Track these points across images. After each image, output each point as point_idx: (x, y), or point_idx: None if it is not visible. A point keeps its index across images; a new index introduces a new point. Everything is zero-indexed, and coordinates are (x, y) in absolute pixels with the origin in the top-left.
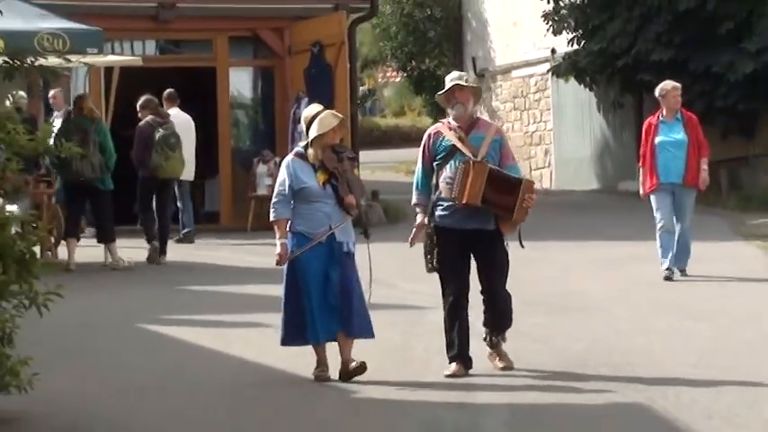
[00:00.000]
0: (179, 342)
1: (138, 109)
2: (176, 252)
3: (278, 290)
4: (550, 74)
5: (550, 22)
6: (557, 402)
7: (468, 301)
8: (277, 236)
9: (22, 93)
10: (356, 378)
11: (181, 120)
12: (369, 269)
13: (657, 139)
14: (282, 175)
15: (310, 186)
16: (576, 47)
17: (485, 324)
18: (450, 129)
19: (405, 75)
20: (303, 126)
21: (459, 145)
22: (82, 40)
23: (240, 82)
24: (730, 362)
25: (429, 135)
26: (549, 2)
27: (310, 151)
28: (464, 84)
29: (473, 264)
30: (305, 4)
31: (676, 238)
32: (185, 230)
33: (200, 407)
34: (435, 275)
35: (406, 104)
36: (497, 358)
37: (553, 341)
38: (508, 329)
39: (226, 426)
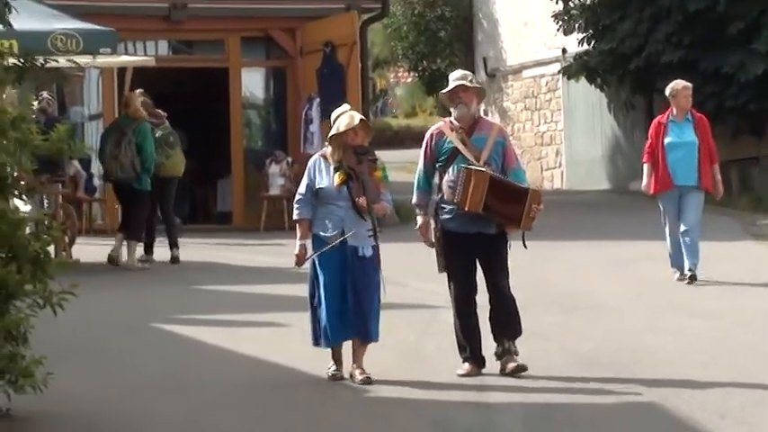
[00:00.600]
0: (193, 341)
1: None
2: (190, 252)
3: (291, 289)
4: (561, 74)
5: (561, 23)
6: (569, 402)
7: (475, 303)
8: (297, 236)
9: (48, 95)
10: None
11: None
12: (380, 270)
13: (667, 140)
14: (305, 175)
15: (326, 188)
16: (586, 47)
17: (494, 331)
18: (453, 129)
19: (416, 75)
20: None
21: (461, 147)
22: (95, 41)
23: (252, 82)
24: (742, 361)
25: (431, 135)
26: (559, 2)
27: (329, 150)
28: (468, 84)
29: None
30: (317, 4)
31: (682, 235)
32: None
33: (214, 406)
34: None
35: (418, 105)
36: (510, 362)
37: (565, 340)
38: (518, 338)
39: (240, 426)
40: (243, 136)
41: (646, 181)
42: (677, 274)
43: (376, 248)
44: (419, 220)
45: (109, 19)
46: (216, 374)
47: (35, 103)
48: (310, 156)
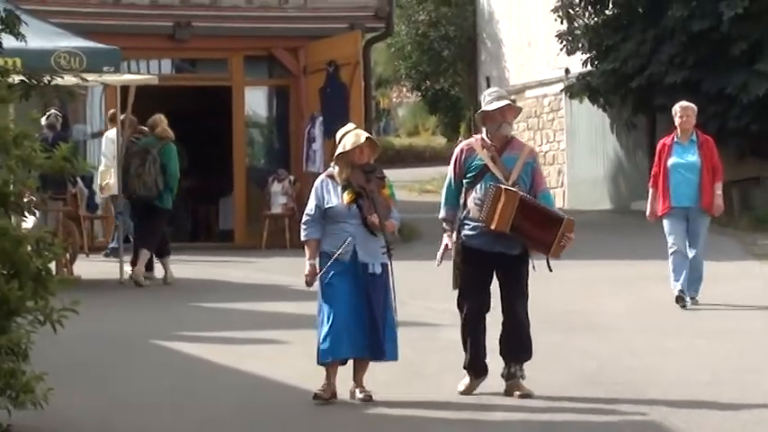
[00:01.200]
0: (193, 358)
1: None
2: (191, 270)
3: (292, 307)
4: (564, 93)
5: (564, 43)
6: (571, 420)
7: (485, 321)
8: (306, 256)
9: (56, 111)
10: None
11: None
12: (392, 288)
13: (670, 161)
14: (312, 195)
15: (336, 206)
16: (589, 67)
17: (502, 353)
18: (484, 147)
19: (419, 94)
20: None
21: (490, 165)
22: (98, 59)
23: (255, 101)
24: (744, 381)
25: (461, 150)
26: (562, 22)
27: (336, 169)
28: (514, 104)
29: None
30: (320, 23)
31: (689, 262)
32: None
33: (212, 423)
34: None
35: (420, 124)
36: (515, 388)
37: (567, 359)
38: (527, 362)
39: None
40: (245, 154)
41: (649, 209)
42: (677, 289)
43: (385, 266)
44: (445, 238)
45: (113, 37)
46: (215, 391)
47: (43, 119)
48: (313, 174)
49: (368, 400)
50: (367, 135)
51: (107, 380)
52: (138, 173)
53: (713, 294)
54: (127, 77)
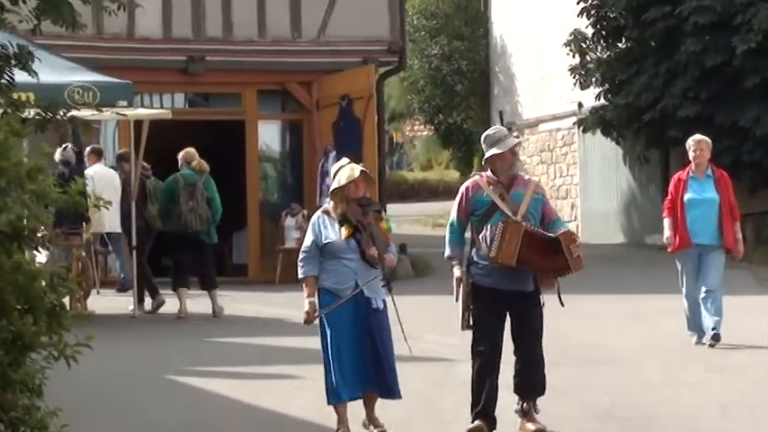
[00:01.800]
0: (207, 393)
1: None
2: (205, 304)
3: (305, 342)
4: (577, 127)
5: (577, 77)
6: None
7: (499, 362)
8: (305, 294)
9: (70, 146)
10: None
11: (104, 175)
12: (399, 323)
13: (687, 197)
14: (309, 231)
15: (334, 242)
16: (602, 101)
17: (516, 391)
18: (490, 184)
19: (432, 128)
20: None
21: (498, 202)
22: (112, 93)
23: (268, 135)
24: (756, 416)
25: (467, 188)
26: (575, 56)
27: (331, 204)
28: (518, 139)
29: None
30: (333, 57)
31: (703, 299)
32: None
33: None
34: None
35: (434, 158)
36: (529, 423)
37: (581, 394)
38: (540, 396)
39: None
40: (259, 189)
41: (668, 234)
42: (695, 338)
43: (385, 302)
44: (456, 272)
45: (126, 72)
46: (230, 428)
47: (57, 154)
48: None
49: None
50: (361, 169)
51: (122, 415)
52: (192, 207)
53: (726, 329)
54: (140, 112)
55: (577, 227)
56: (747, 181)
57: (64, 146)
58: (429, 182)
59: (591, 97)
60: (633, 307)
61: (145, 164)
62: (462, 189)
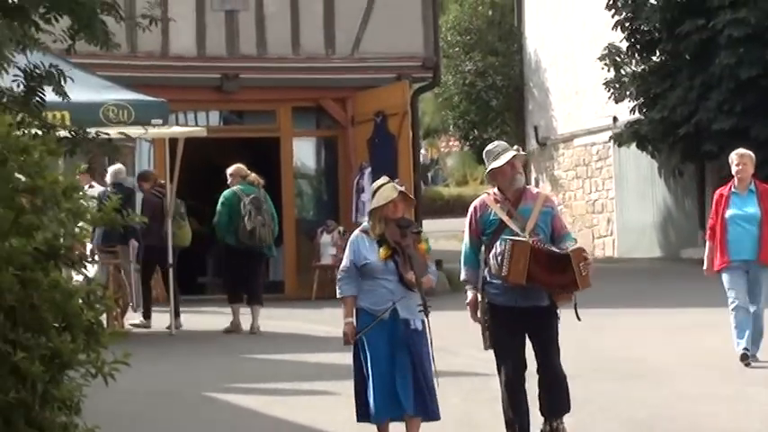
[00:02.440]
0: (244, 411)
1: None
2: (242, 321)
3: (341, 358)
4: (612, 141)
5: (612, 91)
6: None
7: (525, 380)
8: (343, 314)
9: (120, 166)
10: None
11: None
12: (430, 346)
13: (728, 213)
14: (348, 251)
15: (372, 262)
16: (637, 115)
17: (541, 410)
18: (498, 201)
19: (467, 144)
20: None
21: (506, 220)
22: (147, 112)
23: (303, 152)
24: None
25: (475, 208)
26: (610, 70)
27: (369, 224)
28: (519, 153)
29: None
30: (368, 74)
31: (752, 318)
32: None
33: None
34: None
35: (469, 174)
36: None
37: (619, 408)
38: (566, 414)
39: None
40: (294, 205)
41: (706, 263)
42: (743, 349)
43: (424, 323)
44: (469, 295)
45: (161, 90)
46: None
47: (108, 176)
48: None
49: None
50: (400, 189)
51: None
52: (263, 221)
53: (765, 343)
54: (175, 130)
55: (614, 241)
56: None
57: (116, 167)
58: (464, 197)
59: (626, 111)
60: (670, 321)
61: (162, 182)
62: (471, 209)
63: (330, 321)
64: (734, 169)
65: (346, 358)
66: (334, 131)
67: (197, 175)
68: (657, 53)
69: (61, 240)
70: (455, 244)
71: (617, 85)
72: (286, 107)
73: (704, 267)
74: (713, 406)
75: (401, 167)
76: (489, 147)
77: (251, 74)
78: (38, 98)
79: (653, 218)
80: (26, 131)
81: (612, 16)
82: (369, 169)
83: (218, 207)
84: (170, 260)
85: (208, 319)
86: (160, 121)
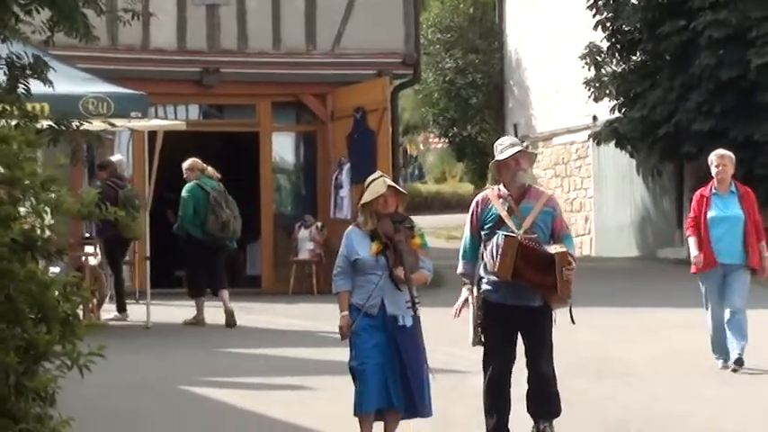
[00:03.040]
0: (220, 404)
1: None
2: (217, 315)
3: (317, 353)
4: (591, 139)
5: (592, 90)
6: None
7: (510, 379)
8: (339, 309)
9: (121, 157)
10: None
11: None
12: (421, 342)
13: (710, 214)
14: (342, 246)
15: (363, 257)
16: (617, 114)
17: (529, 411)
18: (500, 197)
19: (446, 141)
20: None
21: (504, 215)
22: (126, 104)
23: (282, 147)
24: None
25: (477, 203)
26: (590, 69)
27: (361, 219)
28: (527, 150)
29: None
30: (348, 69)
31: (727, 318)
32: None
33: None
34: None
35: (448, 171)
36: None
37: (592, 407)
38: (555, 417)
39: None
40: (273, 200)
41: (695, 253)
42: (720, 362)
43: (416, 319)
44: (464, 292)
45: (140, 83)
46: None
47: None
48: (340, 221)
49: None
50: (390, 183)
51: (134, 426)
52: (234, 214)
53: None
54: (154, 123)
55: (591, 240)
56: (760, 195)
57: (114, 158)
58: (443, 194)
59: (605, 110)
60: (646, 320)
61: (124, 175)
62: (473, 204)
63: (307, 316)
64: (714, 170)
65: (322, 353)
66: (313, 127)
67: (176, 168)
68: (638, 53)
69: (38, 232)
70: (433, 241)
71: (597, 85)
72: (266, 102)
73: (693, 257)
74: (687, 405)
75: (380, 164)
76: (500, 139)
77: (231, 68)
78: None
79: (631, 217)
80: (6, 122)
81: (594, 16)
82: (347, 165)
83: (183, 199)
84: (147, 253)
85: (184, 312)
86: (139, 114)
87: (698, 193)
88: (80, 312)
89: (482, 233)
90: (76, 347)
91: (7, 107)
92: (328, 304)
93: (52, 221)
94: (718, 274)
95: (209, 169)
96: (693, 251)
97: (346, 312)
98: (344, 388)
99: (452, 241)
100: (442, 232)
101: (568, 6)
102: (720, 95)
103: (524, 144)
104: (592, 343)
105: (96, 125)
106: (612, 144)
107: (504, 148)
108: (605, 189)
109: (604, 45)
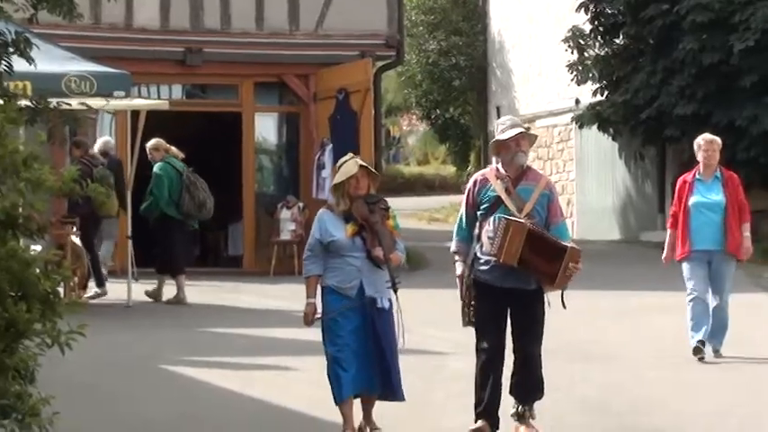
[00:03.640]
0: (200, 383)
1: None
2: (199, 294)
3: (298, 333)
4: (574, 122)
5: (575, 73)
6: None
7: (503, 360)
8: (306, 294)
9: (109, 138)
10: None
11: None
12: (400, 321)
13: (692, 200)
14: (314, 228)
15: (339, 239)
16: (599, 97)
17: (512, 392)
18: (498, 177)
19: (429, 123)
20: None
21: (504, 197)
22: (109, 83)
23: (265, 127)
24: (752, 411)
25: (475, 181)
26: (573, 52)
27: (333, 200)
28: (527, 132)
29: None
30: (331, 50)
31: (711, 311)
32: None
33: None
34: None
35: (430, 153)
36: (524, 427)
37: (572, 389)
38: (537, 400)
39: None
40: (255, 180)
41: (666, 252)
42: (697, 342)
43: (391, 301)
44: (458, 267)
45: (124, 62)
46: (222, 417)
47: (97, 146)
48: (322, 201)
49: None
50: (361, 164)
51: (114, 404)
52: (209, 195)
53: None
54: (137, 102)
55: (573, 223)
56: (743, 180)
57: (105, 138)
58: (425, 176)
59: (588, 94)
60: (626, 303)
61: (96, 153)
62: (470, 183)
63: (288, 297)
64: (700, 155)
65: (302, 333)
66: (296, 107)
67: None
68: (621, 36)
69: (20, 210)
70: (415, 222)
71: (580, 68)
72: (249, 82)
73: (663, 256)
74: (666, 388)
75: (362, 145)
76: (500, 119)
77: (214, 48)
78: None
79: (613, 200)
80: None
81: None
82: (330, 146)
83: (157, 178)
84: (129, 232)
85: (165, 291)
86: (122, 93)
87: (681, 178)
88: (61, 290)
89: (478, 213)
90: (57, 326)
91: None
92: None
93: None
94: (702, 260)
95: (173, 149)
96: (666, 249)
97: (313, 300)
98: (324, 369)
99: (435, 223)
100: (425, 214)
101: None
102: (703, 80)
103: (525, 126)
104: (572, 325)
105: (77, 105)
106: (595, 127)
107: (505, 128)
108: (588, 172)
109: (587, 28)
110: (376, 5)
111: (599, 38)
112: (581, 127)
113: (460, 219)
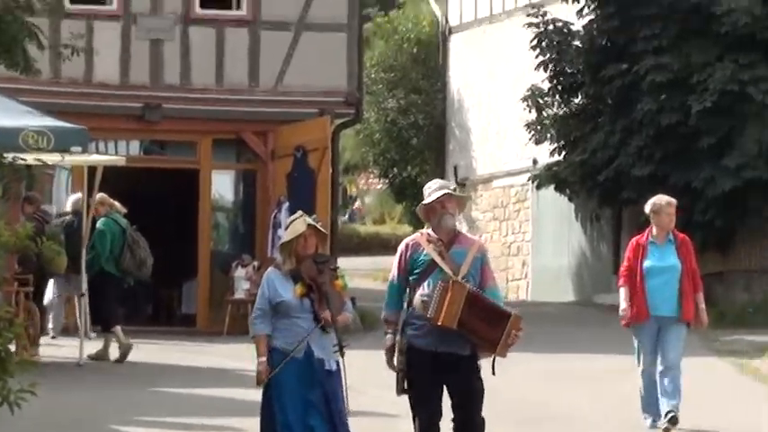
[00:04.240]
0: None
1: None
2: (151, 353)
3: (249, 394)
4: (531, 182)
5: (533, 132)
6: None
7: (439, 425)
8: (256, 354)
9: (78, 195)
10: None
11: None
12: (344, 386)
13: (646, 264)
14: (262, 288)
15: (287, 300)
16: (557, 157)
17: None
18: (430, 241)
19: (386, 182)
20: None
21: (438, 260)
22: (66, 139)
23: (222, 184)
24: None
25: (406, 246)
26: (531, 111)
27: (280, 259)
28: (454, 193)
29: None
30: (289, 108)
31: (660, 375)
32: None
33: None
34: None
35: (386, 212)
36: None
37: None
38: None
39: None
40: (210, 238)
41: (624, 306)
42: (649, 421)
43: (340, 364)
44: (388, 338)
45: (83, 117)
46: None
47: (69, 204)
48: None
49: None
50: (310, 222)
51: None
52: (149, 253)
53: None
54: (93, 158)
55: (528, 284)
56: (698, 242)
57: (77, 195)
58: (381, 236)
59: (546, 154)
60: (581, 366)
61: (45, 209)
62: (402, 247)
63: (242, 357)
64: (658, 218)
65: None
66: (253, 165)
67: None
68: (580, 96)
69: None
70: (370, 282)
71: (538, 127)
72: (207, 139)
73: (621, 309)
74: None
75: (319, 203)
76: (429, 183)
77: (173, 104)
78: None
79: (568, 261)
80: None
81: (536, 56)
82: (286, 204)
83: (100, 234)
84: (83, 289)
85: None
86: (79, 149)
87: (634, 240)
88: (12, 348)
89: (410, 278)
90: (7, 384)
91: None
92: None
93: None
94: (653, 328)
95: (117, 204)
96: (623, 303)
97: (264, 358)
98: None
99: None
100: (380, 274)
101: (512, 48)
102: (661, 141)
103: (452, 187)
104: (525, 388)
105: (33, 160)
106: (552, 188)
107: (431, 191)
108: (543, 233)
109: (546, 86)
110: (336, 63)
111: (558, 97)
112: (538, 187)
113: (391, 286)
